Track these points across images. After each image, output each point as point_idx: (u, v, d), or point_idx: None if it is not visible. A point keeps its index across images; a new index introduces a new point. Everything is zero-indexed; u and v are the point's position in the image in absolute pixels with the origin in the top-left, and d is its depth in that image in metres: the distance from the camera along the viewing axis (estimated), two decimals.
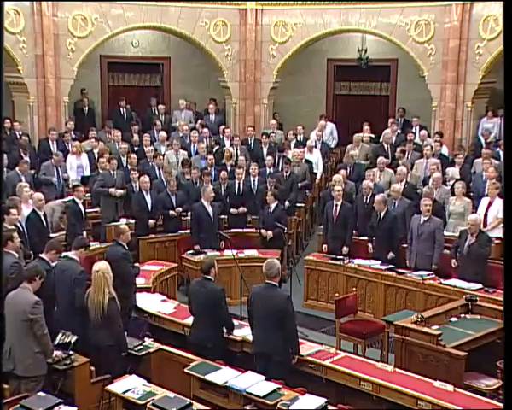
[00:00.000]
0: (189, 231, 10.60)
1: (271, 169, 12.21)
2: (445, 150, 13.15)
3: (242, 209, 11.25)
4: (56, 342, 6.39)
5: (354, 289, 8.99)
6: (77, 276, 6.79)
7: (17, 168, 11.01)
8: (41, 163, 12.03)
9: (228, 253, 9.75)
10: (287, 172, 11.84)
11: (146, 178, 10.85)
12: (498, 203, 9.66)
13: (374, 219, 9.70)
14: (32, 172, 11.74)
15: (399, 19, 14.13)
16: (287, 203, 11.35)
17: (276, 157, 12.74)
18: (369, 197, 10.32)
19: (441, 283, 8.68)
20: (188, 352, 6.61)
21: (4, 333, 6.07)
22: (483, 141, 13.30)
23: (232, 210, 11.18)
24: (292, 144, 13.85)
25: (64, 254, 7.77)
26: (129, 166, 11.90)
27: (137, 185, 11.02)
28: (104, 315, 6.35)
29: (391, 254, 9.49)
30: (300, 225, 12.10)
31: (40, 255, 7.01)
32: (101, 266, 6.53)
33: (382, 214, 9.59)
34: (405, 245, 9.61)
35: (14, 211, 8.26)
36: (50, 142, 12.93)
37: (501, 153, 12.19)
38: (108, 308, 6.35)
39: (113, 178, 11.12)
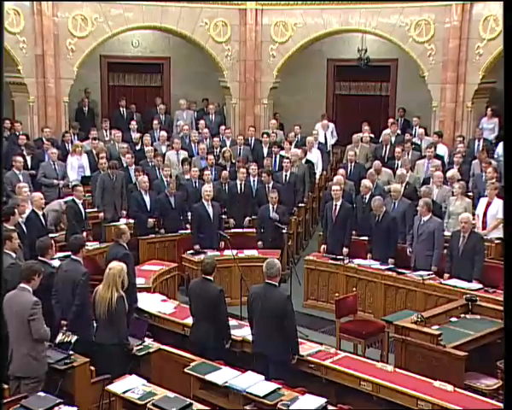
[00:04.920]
0: (189, 231, 10.61)
1: (270, 170, 12.17)
2: (444, 150, 13.16)
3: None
4: (56, 342, 6.41)
5: (354, 289, 8.98)
6: (80, 277, 6.78)
7: (13, 168, 11.02)
8: (38, 162, 12.07)
9: (228, 253, 9.75)
10: (286, 172, 11.85)
11: (145, 178, 10.88)
12: (497, 204, 9.67)
13: (372, 219, 9.69)
14: (33, 172, 11.74)
15: (399, 19, 14.13)
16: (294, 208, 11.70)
17: (273, 156, 12.75)
18: (367, 197, 10.33)
19: (441, 283, 8.67)
20: (188, 352, 6.61)
21: (6, 334, 6.08)
22: (477, 143, 13.30)
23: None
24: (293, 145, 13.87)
25: (65, 254, 7.80)
26: (129, 167, 11.92)
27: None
28: (110, 312, 6.36)
29: (391, 261, 9.48)
30: (300, 225, 12.10)
31: (40, 258, 6.95)
32: (116, 266, 6.51)
33: (381, 215, 9.58)
34: (405, 245, 9.61)
35: (16, 211, 8.26)
36: (44, 140, 12.88)
37: (499, 152, 12.24)
38: (116, 306, 6.35)
39: (113, 181, 11.10)
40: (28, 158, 12.14)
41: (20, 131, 13.24)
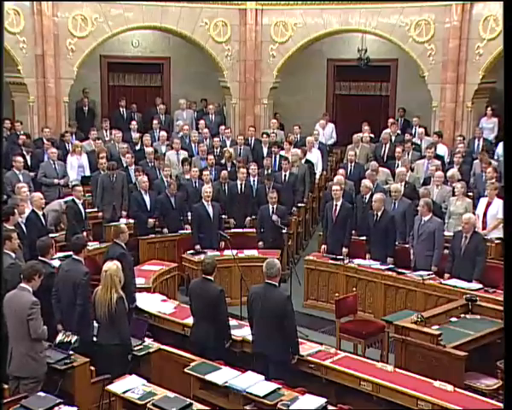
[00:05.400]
0: (189, 231, 10.61)
1: (269, 170, 12.16)
2: (444, 150, 13.16)
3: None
4: (56, 342, 6.41)
5: (354, 289, 8.98)
6: (82, 278, 6.77)
7: (13, 168, 11.02)
8: (38, 162, 12.07)
9: (228, 253, 9.75)
10: (285, 172, 11.85)
11: (144, 178, 10.90)
12: (497, 204, 9.67)
13: (370, 218, 9.69)
14: (32, 174, 11.73)
15: (399, 19, 14.13)
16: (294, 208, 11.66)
17: (273, 156, 12.75)
18: (367, 197, 10.33)
19: (441, 283, 8.67)
20: (188, 352, 6.61)
21: (5, 333, 6.08)
22: (476, 143, 13.31)
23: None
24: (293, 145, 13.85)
25: (65, 254, 7.79)
26: (129, 167, 11.93)
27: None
28: (111, 314, 6.36)
29: (390, 260, 9.48)
30: (300, 225, 12.10)
31: (40, 258, 6.94)
32: (111, 266, 6.50)
33: (379, 214, 9.58)
34: (407, 245, 9.60)
35: (16, 211, 8.26)
36: (44, 140, 12.87)
37: (499, 152, 12.24)
38: (117, 307, 6.35)
39: (112, 182, 11.12)
40: (28, 157, 12.13)
41: (21, 131, 13.25)
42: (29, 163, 12.08)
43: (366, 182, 10.55)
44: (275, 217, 10.39)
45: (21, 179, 10.71)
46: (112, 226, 9.99)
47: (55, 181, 11.74)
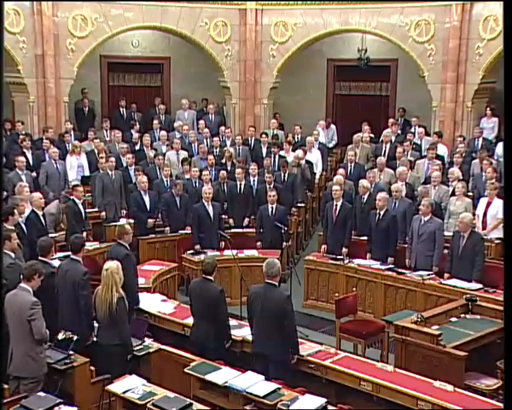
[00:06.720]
0: (189, 231, 10.61)
1: (269, 170, 12.14)
2: (444, 150, 13.15)
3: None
4: (57, 341, 6.41)
5: (354, 289, 8.99)
6: (81, 278, 6.77)
7: (16, 168, 11.00)
8: (39, 162, 12.05)
9: (228, 253, 9.75)
10: (285, 173, 11.84)
11: (144, 178, 10.90)
12: (497, 204, 9.67)
13: (372, 218, 9.68)
14: (34, 174, 11.72)
15: (399, 19, 14.14)
16: (293, 209, 11.67)
17: (272, 156, 12.74)
18: (365, 197, 10.32)
19: (441, 283, 8.67)
20: (188, 352, 6.61)
21: (7, 334, 6.07)
22: (476, 143, 13.32)
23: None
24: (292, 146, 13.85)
25: (64, 254, 7.77)
26: (129, 167, 11.93)
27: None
28: (111, 314, 6.35)
29: (390, 259, 9.48)
30: (300, 225, 12.09)
31: (40, 258, 6.94)
32: (112, 265, 6.51)
33: (382, 213, 9.58)
34: (406, 245, 9.61)
35: (15, 211, 8.25)
36: (45, 140, 12.83)
37: (498, 152, 12.24)
38: (117, 307, 6.35)
39: (112, 178, 11.14)
40: (29, 154, 12.08)
41: (22, 131, 13.24)
42: (31, 163, 12.04)
43: (364, 182, 10.54)
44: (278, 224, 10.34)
45: (24, 179, 10.69)
46: (113, 226, 10.00)
47: (51, 194, 11.32)
